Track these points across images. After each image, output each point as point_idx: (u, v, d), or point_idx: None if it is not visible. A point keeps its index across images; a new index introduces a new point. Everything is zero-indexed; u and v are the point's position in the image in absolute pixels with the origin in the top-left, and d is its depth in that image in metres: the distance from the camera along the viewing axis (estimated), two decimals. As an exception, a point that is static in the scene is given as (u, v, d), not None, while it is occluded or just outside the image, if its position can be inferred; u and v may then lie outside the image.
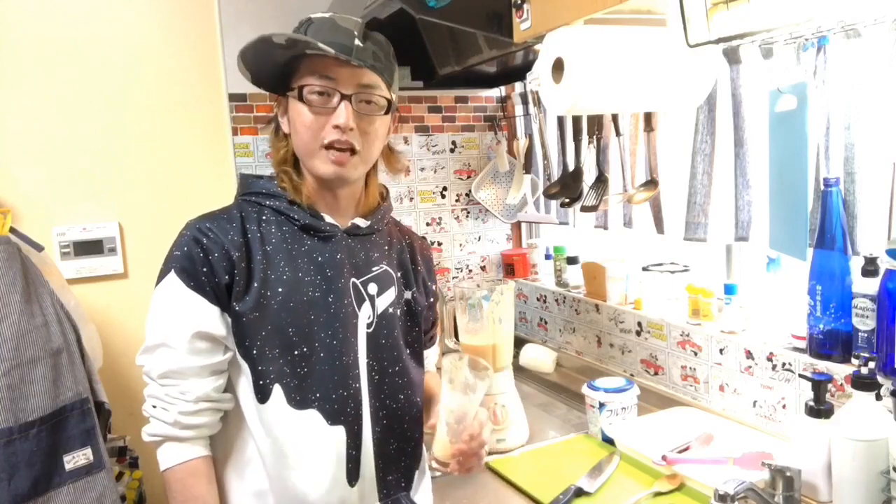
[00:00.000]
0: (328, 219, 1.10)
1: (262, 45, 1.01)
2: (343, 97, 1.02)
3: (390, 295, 1.14)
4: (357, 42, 1.02)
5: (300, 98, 1.03)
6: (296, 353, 1.04)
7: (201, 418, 1.04)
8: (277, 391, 1.03)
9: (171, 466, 1.04)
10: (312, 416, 1.04)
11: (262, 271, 1.03)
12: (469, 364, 1.07)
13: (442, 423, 1.06)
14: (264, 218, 1.07)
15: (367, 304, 1.11)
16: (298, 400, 1.04)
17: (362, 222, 1.13)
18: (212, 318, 1.02)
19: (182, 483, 1.03)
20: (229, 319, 1.03)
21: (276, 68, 1.06)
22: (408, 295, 1.18)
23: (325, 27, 1.02)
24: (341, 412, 1.06)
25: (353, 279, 1.10)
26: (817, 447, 1.17)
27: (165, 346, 1.02)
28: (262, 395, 1.03)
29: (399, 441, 1.13)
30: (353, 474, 1.07)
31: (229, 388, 1.07)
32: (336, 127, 1.02)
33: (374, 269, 1.13)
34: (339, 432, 1.06)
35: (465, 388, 1.05)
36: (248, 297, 1.02)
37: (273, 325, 1.03)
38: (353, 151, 1.05)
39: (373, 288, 1.12)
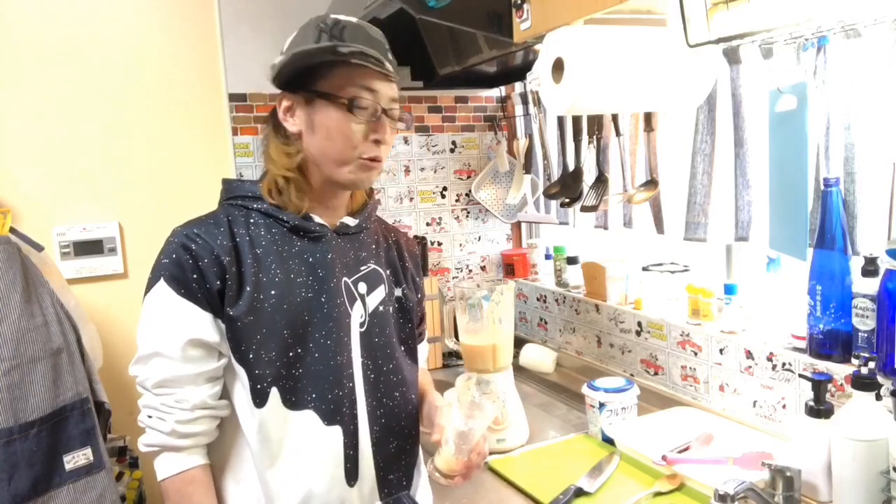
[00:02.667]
0: (317, 219, 1.09)
1: (325, 52, 0.99)
2: (383, 111, 1.04)
3: (380, 293, 1.14)
4: (389, 55, 1.04)
5: (349, 109, 1.01)
6: (290, 354, 1.03)
7: (198, 426, 1.03)
8: (274, 394, 1.02)
9: (170, 476, 1.03)
10: (308, 417, 1.04)
11: (254, 275, 1.03)
12: (478, 385, 1.07)
13: (449, 443, 1.06)
14: (252, 221, 1.06)
15: (358, 304, 1.10)
16: (294, 401, 1.03)
17: (351, 221, 1.13)
18: (204, 325, 1.02)
19: (180, 493, 1.03)
20: (223, 325, 1.03)
21: (301, 69, 1.03)
22: (398, 292, 1.18)
23: (361, 35, 1.02)
24: (337, 412, 1.05)
25: (345, 278, 1.10)
26: (817, 447, 1.17)
27: (159, 356, 1.01)
28: (260, 399, 1.02)
29: (398, 439, 1.13)
30: (351, 474, 1.07)
31: (224, 394, 1.07)
32: (376, 141, 1.04)
33: (362, 268, 1.13)
34: (336, 432, 1.05)
35: (472, 410, 1.05)
36: (241, 301, 1.02)
37: (268, 328, 1.02)
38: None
39: (362, 287, 1.12)
